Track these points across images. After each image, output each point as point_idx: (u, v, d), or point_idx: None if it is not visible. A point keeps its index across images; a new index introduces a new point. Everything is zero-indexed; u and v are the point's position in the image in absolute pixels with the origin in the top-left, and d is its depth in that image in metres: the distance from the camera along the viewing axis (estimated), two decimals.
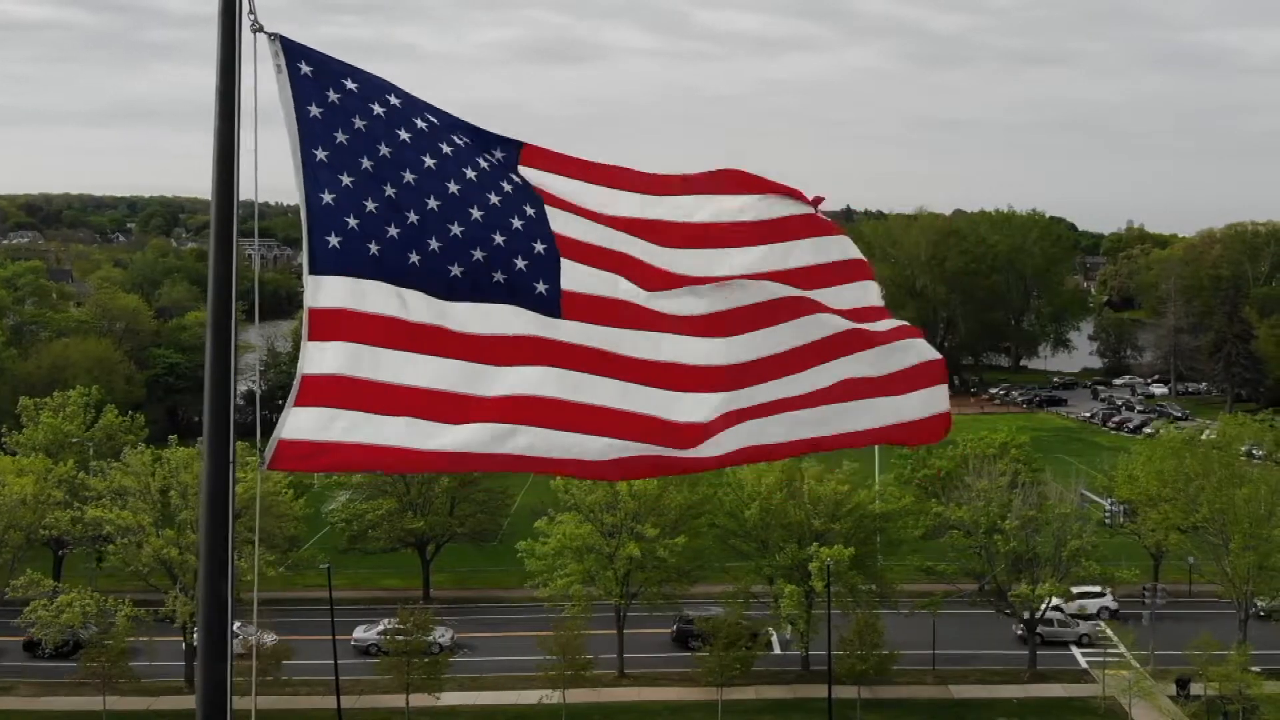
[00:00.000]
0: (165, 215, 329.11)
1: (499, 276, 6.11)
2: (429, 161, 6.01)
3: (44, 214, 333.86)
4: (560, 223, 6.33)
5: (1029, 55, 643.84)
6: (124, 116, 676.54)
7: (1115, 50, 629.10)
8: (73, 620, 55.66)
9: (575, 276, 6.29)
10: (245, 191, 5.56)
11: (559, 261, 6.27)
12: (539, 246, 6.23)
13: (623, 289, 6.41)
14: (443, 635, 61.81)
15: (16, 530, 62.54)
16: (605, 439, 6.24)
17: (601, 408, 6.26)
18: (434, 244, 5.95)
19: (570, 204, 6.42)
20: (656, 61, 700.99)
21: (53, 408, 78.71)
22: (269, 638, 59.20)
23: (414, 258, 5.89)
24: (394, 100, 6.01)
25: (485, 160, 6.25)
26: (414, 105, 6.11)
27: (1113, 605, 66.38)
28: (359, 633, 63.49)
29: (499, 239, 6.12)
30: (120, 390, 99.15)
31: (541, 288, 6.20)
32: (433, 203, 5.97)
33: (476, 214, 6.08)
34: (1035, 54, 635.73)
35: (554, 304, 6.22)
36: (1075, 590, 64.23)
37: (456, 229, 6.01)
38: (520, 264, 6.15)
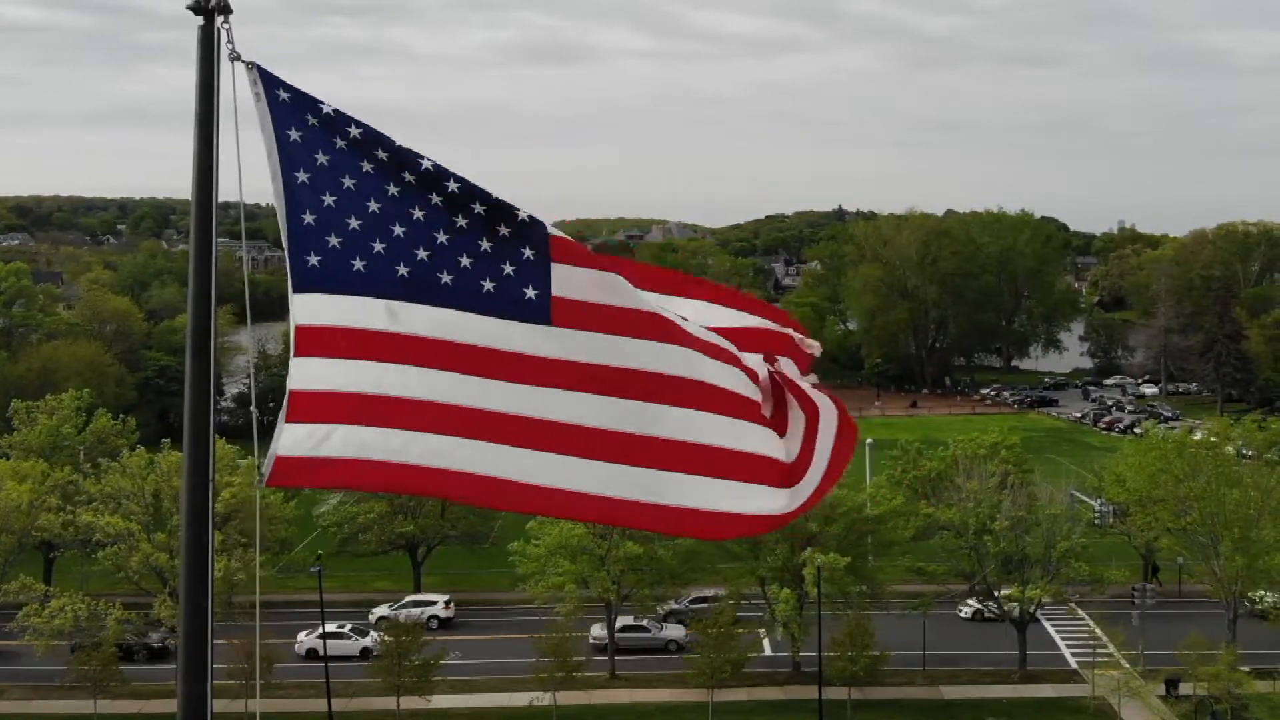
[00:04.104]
0: (156, 217, 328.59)
1: (488, 285, 6.11)
2: (409, 177, 6.04)
3: (34, 216, 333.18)
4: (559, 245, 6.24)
5: (1021, 56, 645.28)
6: (115, 118, 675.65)
7: (1107, 51, 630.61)
8: (64, 625, 55.60)
9: (567, 280, 6.19)
10: (231, 194, 5.71)
11: (549, 266, 6.17)
12: (528, 252, 6.13)
13: (619, 293, 6.30)
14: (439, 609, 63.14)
15: (8, 534, 62.48)
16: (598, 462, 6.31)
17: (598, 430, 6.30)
18: (422, 253, 6.01)
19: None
20: (651, 63, 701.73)
21: (45, 411, 78.61)
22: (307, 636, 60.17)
23: (403, 269, 5.97)
24: (381, 154, 6.02)
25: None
26: (400, 159, 6.03)
27: (443, 614, 66.37)
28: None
29: (485, 244, 6.09)
30: (111, 393, 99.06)
31: (531, 293, 6.15)
32: (418, 213, 6.03)
33: (462, 221, 6.07)
34: (1027, 55, 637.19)
35: (544, 310, 6.17)
36: (410, 598, 67.25)
37: (443, 237, 6.05)
38: (508, 269, 6.11)
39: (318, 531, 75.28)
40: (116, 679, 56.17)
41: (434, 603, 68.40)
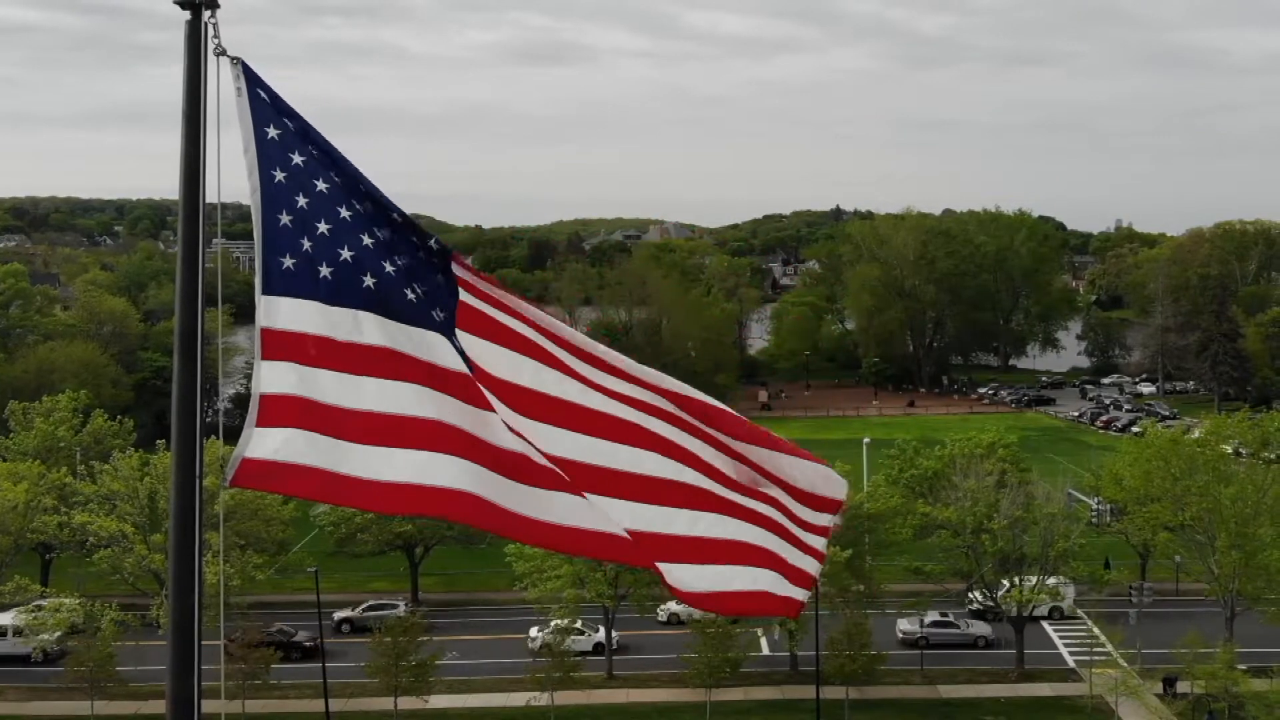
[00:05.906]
0: (153, 218, 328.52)
1: (438, 314, 6.23)
2: (347, 212, 6.10)
3: (31, 217, 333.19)
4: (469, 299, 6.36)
5: (1017, 56, 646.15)
6: (112, 119, 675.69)
7: (1102, 50, 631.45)
8: (60, 626, 55.50)
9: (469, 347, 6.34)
10: (224, 194, 5.70)
11: (454, 331, 6.31)
12: (438, 313, 6.26)
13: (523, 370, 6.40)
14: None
15: (4, 535, 62.40)
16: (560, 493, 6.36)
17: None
18: (388, 266, 6.05)
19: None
20: (647, 63, 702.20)
21: (42, 412, 78.48)
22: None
23: (369, 280, 5.99)
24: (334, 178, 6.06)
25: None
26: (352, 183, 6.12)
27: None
28: None
29: (411, 295, 6.19)
30: (108, 394, 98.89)
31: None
32: (382, 233, 6.07)
33: (390, 268, 6.15)
34: (1024, 54, 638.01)
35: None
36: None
37: (402, 260, 6.12)
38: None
39: (315, 532, 75.26)
40: (113, 680, 56.10)
41: None
